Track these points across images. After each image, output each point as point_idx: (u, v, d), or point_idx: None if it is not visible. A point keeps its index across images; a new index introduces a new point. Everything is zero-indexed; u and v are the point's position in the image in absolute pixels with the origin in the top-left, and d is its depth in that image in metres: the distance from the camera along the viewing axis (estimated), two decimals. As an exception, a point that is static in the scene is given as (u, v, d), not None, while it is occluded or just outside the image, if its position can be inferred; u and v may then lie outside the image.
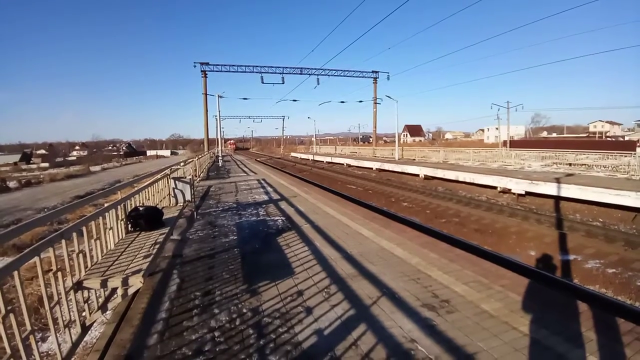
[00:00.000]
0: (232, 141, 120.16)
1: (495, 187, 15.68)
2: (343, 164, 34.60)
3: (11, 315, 1.96)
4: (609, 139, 64.37)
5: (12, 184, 30.62)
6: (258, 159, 48.63)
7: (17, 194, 25.64)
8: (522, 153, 21.71)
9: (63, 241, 2.67)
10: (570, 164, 18.00)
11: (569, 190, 12.30)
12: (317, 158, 45.33)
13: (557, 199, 12.80)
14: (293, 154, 63.17)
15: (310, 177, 25.60)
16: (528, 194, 14.07)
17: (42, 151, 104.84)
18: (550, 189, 12.98)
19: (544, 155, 19.68)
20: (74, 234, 2.86)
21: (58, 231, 2.66)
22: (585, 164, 17.39)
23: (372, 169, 28.12)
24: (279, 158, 59.04)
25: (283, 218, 7.72)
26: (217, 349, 2.83)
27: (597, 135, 75.02)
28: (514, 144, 44.77)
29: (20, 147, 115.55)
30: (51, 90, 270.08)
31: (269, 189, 12.96)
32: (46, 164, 64.14)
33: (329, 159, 40.57)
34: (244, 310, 3.47)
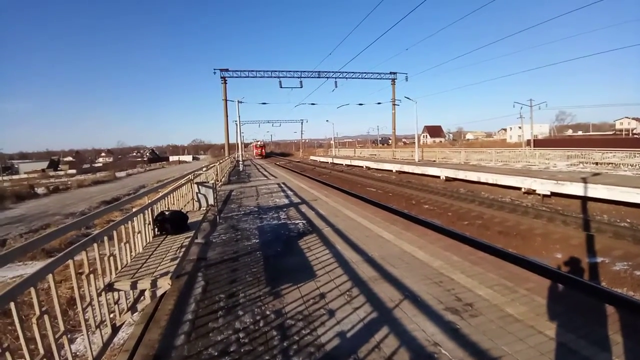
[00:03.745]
0: (259, 142, 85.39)
1: (519, 188, 15.35)
2: (362, 167, 34.47)
3: (45, 317, 2.03)
4: (636, 136, 62.04)
5: (40, 191, 31.77)
6: (277, 163, 49.02)
7: (45, 200, 26.63)
8: (546, 152, 21.14)
9: (95, 245, 2.78)
10: (596, 163, 17.43)
11: (596, 190, 11.93)
12: (336, 161, 45.32)
13: (584, 199, 12.43)
14: (312, 158, 63.35)
15: (330, 180, 25.62)
16: (553, 194, 13.72)
17: (69, 158, 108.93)
18: (576, 189, 12.62)
19: (569, 154, 19.12)
20: (105, 238, 2.98)
21: (86, 236, 2.76)
22: (612, 163, 16.80)
23: (391, 171, 27.91)
24: (298, 161, 59.27)
25: (304, 221, 7.78)
26: (242, 350, 2.90)
27: (623, 133, 72.46)
28: (537, 143, 43.68)
29: (48, 154, 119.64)
30: (77, 98, 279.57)
31: (289, 192, 13.06)
32: (73, 171, 66.59)
33: (348, 162, 40.47)
34: (268, 312, 3.53)
